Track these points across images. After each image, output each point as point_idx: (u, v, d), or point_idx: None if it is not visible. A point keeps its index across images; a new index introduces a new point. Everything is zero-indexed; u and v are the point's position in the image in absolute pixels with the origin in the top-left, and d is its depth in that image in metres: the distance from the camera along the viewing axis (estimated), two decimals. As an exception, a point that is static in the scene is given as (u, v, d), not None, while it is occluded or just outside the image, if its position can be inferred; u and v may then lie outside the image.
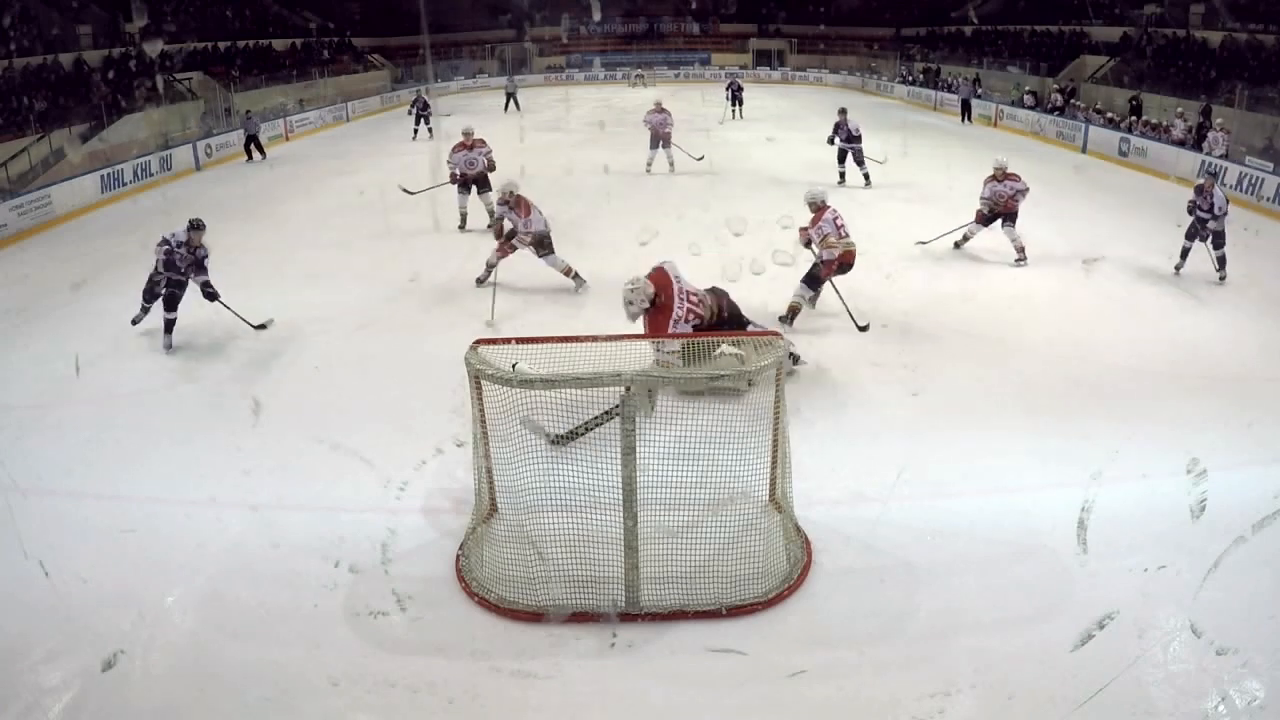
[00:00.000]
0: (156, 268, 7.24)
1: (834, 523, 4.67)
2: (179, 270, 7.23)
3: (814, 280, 7.50)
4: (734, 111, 23.73)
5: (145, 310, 7.52)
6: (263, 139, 18.63)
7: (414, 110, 20.88)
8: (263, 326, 7.64)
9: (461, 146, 10.86)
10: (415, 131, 20.41)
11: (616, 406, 4.87)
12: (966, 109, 23.80)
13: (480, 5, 38.13)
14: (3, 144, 15.74)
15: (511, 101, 26.43)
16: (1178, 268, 8.95)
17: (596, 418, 5.04)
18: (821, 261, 7.44)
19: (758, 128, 20.99)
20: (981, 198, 9.49)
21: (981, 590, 4.18)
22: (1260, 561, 4.26)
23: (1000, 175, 9.30)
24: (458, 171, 10.90)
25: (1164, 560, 4.29)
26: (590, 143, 18.92)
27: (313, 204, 13.45)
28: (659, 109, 14.77)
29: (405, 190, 11.51)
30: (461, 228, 11.08)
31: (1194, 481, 4.94)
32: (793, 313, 7.48)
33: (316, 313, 8.10)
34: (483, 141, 11.00)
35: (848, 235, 7.53)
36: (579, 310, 8.17)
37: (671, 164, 14.86)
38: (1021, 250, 9.33)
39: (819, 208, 7.63)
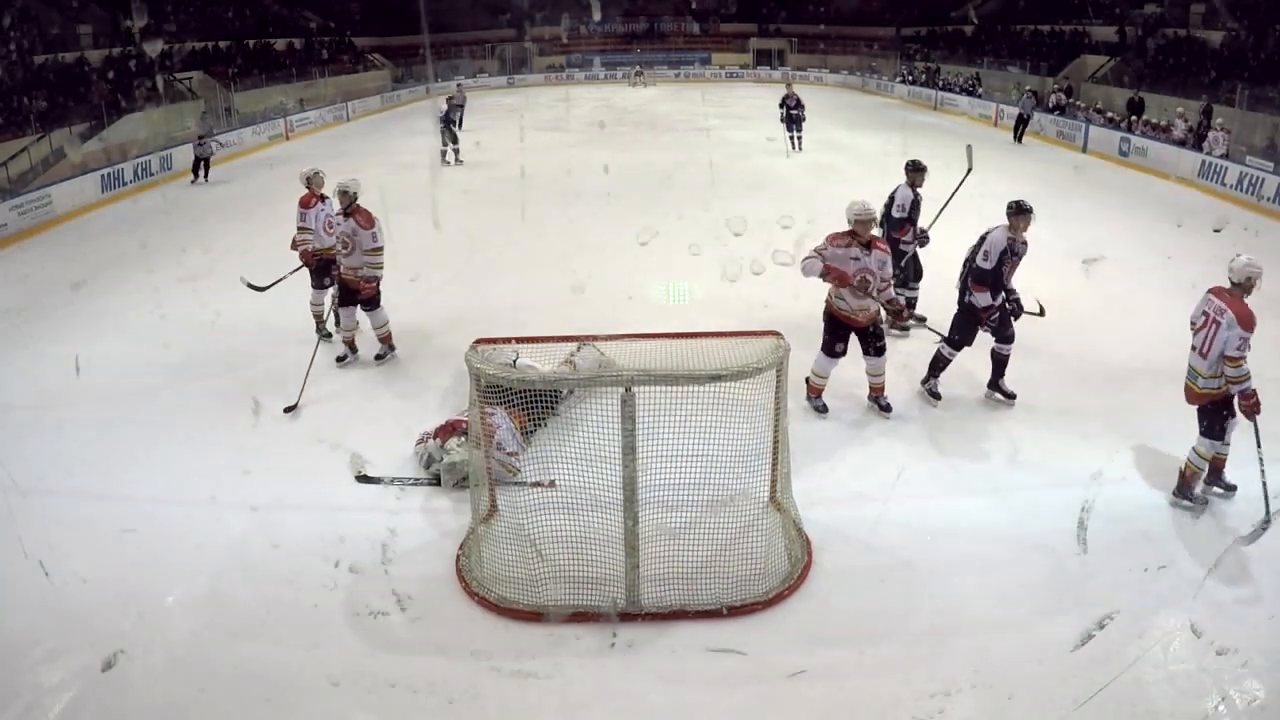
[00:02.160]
0: None
1: (834, 523, 4.67)
2: None
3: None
4: (793, 141, 17.27)
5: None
6: (212, 160, 15.96)
7: (443, 120, 16.06)
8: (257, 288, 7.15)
9: (313, 198, 7.00)
10: (444, 153, 15.53)
11: (432, 481, 5.11)
12: (1022, 125, 19.71)
13: (480, 5, 38.13)
14: (3, 144, 15.75)
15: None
16: None
17: (409, 479, 5.19)
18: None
19: (758, 127, 20.97)
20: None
21: (981, 590, 4.18)
22: (1260, 561, 4.26)
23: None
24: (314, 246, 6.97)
25: (1164, 560, 4.30)
26: (590, 143, 18.91)
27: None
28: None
29: (252, 286, 7.32)
30: (323, 335, 7.25)
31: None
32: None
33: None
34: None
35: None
36: (575, 311, 8.15)
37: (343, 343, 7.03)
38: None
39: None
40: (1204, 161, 14.42)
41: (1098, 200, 13.19)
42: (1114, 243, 10.16)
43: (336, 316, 7.00)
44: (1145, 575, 4.21)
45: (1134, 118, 18.98)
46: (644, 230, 9.79)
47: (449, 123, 16.51)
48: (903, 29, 36.89)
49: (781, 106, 17.49)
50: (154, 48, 22.20)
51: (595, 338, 5.13)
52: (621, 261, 9.51)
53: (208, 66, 24.92)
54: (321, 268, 7.14)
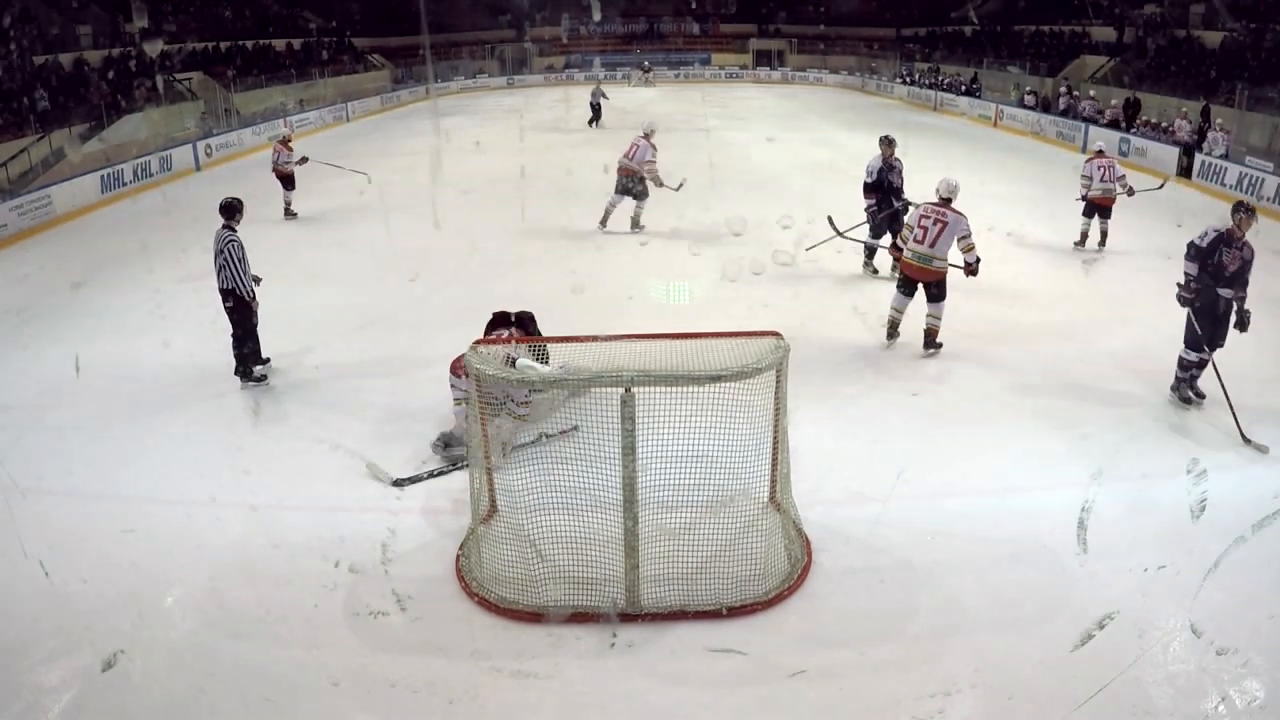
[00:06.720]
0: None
1: (834, 523, 4.67)
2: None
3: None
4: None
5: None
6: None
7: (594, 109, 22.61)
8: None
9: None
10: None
11: (462, 460, 5.10)
12: (1190, 154, 14.19)
13: (480, 5, 38.14)
14: (3, 144, 15.73)
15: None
16: None
17: (442, 468, 5.18)
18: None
19: (757, 128, 21.00)
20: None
21: (981, 590, 4.18)
22: (1260, 561, 4.26)
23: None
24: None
25: (1164, 560, 4.29)
26: (590, 143, 18.89)
27: (313, 204, 13.44)
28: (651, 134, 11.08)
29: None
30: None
31: (1194, 481, 4.94)
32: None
33: (317, 313, 8.10)
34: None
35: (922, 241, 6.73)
36: (575, 311, 8.15)
37: None
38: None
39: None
40: (1204, 162, 14.40)
41: (1098, 200, 13.16)
42: (1114, 242, 10.16)
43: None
44: (1145, 575, 4.21)
45: (1127, 117, 18.97)
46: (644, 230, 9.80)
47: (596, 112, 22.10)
48: (903, 29, 36.93)
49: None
50: (154, 48, 22.19)
51: (595, 338, 5.12)
52: (621, 261, 9.52)
53: (208, 67, 24.91)
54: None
